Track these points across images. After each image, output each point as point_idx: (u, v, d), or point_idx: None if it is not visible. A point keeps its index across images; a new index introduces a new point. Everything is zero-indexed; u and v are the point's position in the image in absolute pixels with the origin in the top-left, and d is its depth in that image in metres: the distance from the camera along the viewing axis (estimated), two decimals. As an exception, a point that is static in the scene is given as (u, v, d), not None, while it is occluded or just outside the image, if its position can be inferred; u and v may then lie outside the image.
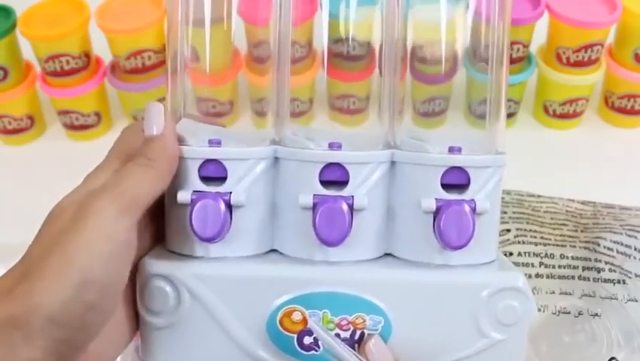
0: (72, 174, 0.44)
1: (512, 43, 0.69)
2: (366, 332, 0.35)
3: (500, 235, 0.56)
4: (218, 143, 0.35)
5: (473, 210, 0.34)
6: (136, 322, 0.36)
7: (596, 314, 0.51)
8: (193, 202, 0.34)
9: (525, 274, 0.53)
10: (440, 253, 0.35)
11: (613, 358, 0.49)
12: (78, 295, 0.29)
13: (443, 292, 0.35)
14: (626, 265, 0.53)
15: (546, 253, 0.54)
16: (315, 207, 0.34)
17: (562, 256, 0.54)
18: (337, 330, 0.35)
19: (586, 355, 0.51)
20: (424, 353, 0.35)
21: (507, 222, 0.57)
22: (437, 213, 0.34)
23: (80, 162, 0.46)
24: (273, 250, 0.37)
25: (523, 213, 0.58)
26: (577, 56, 0.70)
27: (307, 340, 0.35)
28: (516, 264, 0.54)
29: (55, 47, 0.69)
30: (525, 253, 0.54)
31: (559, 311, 0.52)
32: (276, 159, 0.36)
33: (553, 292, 0.52)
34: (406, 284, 0.35)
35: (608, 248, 0.54)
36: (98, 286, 0.30)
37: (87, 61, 0.71)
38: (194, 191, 0.35)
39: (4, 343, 0.28)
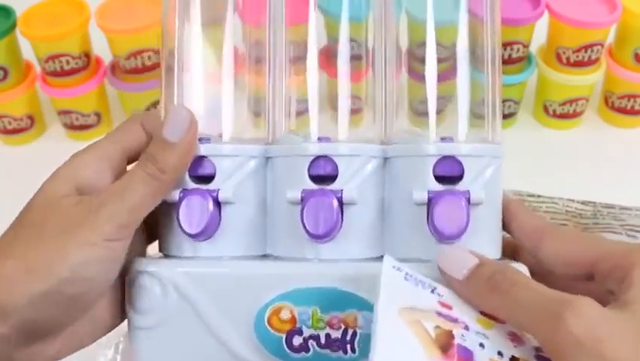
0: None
1: (512, 44, 0.69)
2: (358, 331, 0.33)
3: (500, 235, 0.56)
4: (208, 140, 0.35)
5: (468, 200, 0.33)
6: (117, 313, 0.36)
7: (596, 314, 0.51)
8: (180, 200, 0.34)
9: (525, 274, 0.53)
10: (434, 248, 0.33)
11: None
12: (62, 288, 0.31)
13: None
14: (626, 265, 0.53)
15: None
16: (302, 200, 0.33)
17: (562, 256, 0.54)
18: (328, 329, 0.33)
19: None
20: None
21: (507, 223, 0.57)
22: (429, 206, 0.33)
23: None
24: (265, 256, 0.36)
25: (523, 213, 0.58)
26: (577, 56, 0.70)
27: (297, 340, 0.33)
28: (516, 264, 0.54)
29: (55, 47, 0.69)
30: (525, 253, 0.54)
31: (559, 311, 0.52)
32: (268, 158, 0.35)
33: (553, 292, 0.52)
34: None
35: (608, 248, 0.54)
36: (83, 284, 0.32)
37: (87, 61, 0.71)
38: (183, 189, 0.34)
39: None
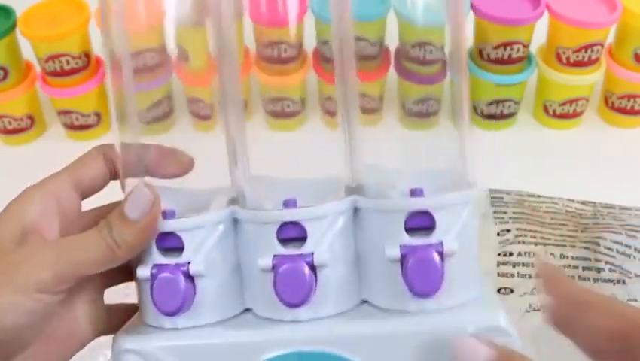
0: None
1: (512, 44, 0.69)
2: None
3: (500, 235, 0.56)
4: (172, 214, 0.34)
5: (441, 254, 0.32)
6: (102, 317, 0.36)
7: (596, 314, 0.51)
8: (153, 277, 0.33)
9: (525, 274, 0.53)
10: (413, 300, 0.33)
11: (613, 358, 0.49)
12: None
13: (421, 340, 0.32)
14: (626, 265, 0.53)
15: (546, 253, 0.54)
16: (274, 268, 0.33)
17: (562, 256, 0.54)
18: None
19: (586, 355, 0.51)
20: None
21: (507, 222, 0.57)
22: (403, 260, 0.32)
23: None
24: (247, 309, 0.35)
25: (523, 213, 0.58)
26: (577, 56, 0.70)
27: None
28: (516, 264, 0.54)
29: (55, 47, 0.69)
30: (525, 253, 0.54)
31: (559, 311, 0.52)
32: (235, 220, 0.35)
33: (553, 292, 0.52)
34: (381, 336, 0.33)
35: (608, 248, 0.54)
36: (6, 332, 0.31)
37: (87, 61, 0.71)
38: (155, 265, 0.34)
39: None
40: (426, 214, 0.33)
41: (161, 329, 0.34)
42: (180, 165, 0.36)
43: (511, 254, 0.54)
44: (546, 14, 0.69)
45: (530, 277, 0.53)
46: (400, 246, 0.32)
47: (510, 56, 0.70)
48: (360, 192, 0.34)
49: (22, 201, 0.34)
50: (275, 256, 0.33)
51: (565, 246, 0.55)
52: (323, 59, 0.71)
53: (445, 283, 0.32)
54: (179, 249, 0.34)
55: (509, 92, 0.73)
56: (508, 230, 0.56)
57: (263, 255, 0.33)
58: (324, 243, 0.33)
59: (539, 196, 0.62)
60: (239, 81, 0.38)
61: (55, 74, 0.71)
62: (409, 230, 0.33)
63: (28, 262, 0.31)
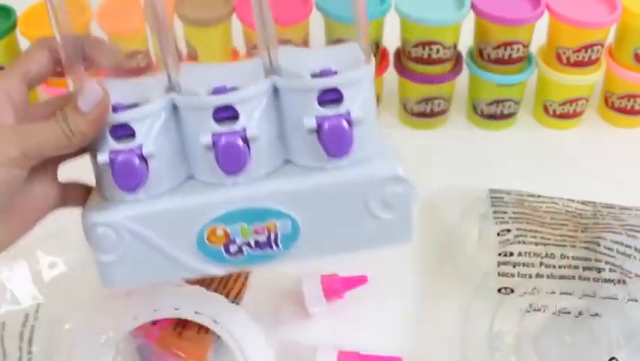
0: (72, 173, 0.44)
1: (512, 44, 0.69)
2: (278, 232, 0.41)
3: (500, 235, 0.56)
4: (121, 106, 0.40)
5: (349, 121, 0.39)
6: (57, 193, 0.41)
7: (596, 314, 0.51)
8: (112, 161, 0.39)
9: (526, 274, 0.53)
10: (329, 160, 0.41)
11: (613, 358, 0.49)
12: None
13: (337, 190, 0.41)
14: (626, 265, 0.53)
15: (546, 253, 0.54)
16: (214, 144, 0.39)
17: (562, 256, 0.54)
18: (255, 236, 0.41)
19: (586, 355, 0.51)
20: (329, 243, 0.42)
21: (507, 222, 0.57)
22: (319, 129, 0.39)
23: (80, 160, 0.46)
24: (190, 177, 0.42)
25: (523, 213, 0.58)
26: (577, 56, 0.70)
27: (233, 248, 0.42)
28: (516, 264, 0.54)
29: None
30: (525, 253, 0.54)
31: (559, 311, 0.52)
32: (174, 105, 0.41)
33: (553, 292, 0.52)
34: (304, 190, 0.41)
35: (608, 248, 0.54)
36: None
37: (87, 61, 0.71)
38: (112, 151, 0.39)
39: None
40: (335, 90, 0.40)
41: (124, 203, 0.41)
42: (111, 52, 0.42)
43: (511, 254, 0.54)
44: (546, 14, 0.69)
45: (530, 277, 0.53)
46: (316, 117, 0.40)
47: (510, 56, 0.70)
48: (277, 72, 0.41)
49: None
50: (213, 134, 0.39)
51: (565, 246, 0.55)
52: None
53: (354, 144, 0.40)
54: (130, 135, 0.40)
55: (509, 92, 0.73)
56: (508, 230, 0.56)
57: (204, 134, 0.40)
58: (254, 119, 0.40)
59: (539, 196, 0.62)
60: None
61: (55, 73, 0.70)
62: (321, 103, 0.40)
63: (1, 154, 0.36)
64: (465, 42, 0.72)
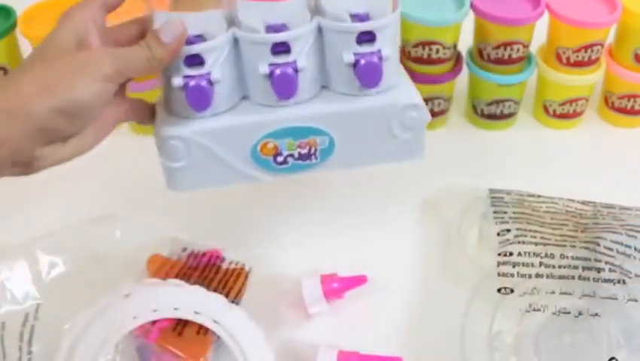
0: (72, 173, 0.44)
1: (512, 44, 0.69)
2: (318, 147, 0.51)
3: (500, 235, 0.56)
4: (195, 40, 0.47)
5: (380, 58, 0.49)
6: (112, 125, 0.48)
7: (596, 314, 0.51)
8: (185, 84, 0.47)
9: (525, 274, 0.53)
10: (361, 89, 0.50)
11: (613, 358, 0.49)
12: (69, 107, 0.42)
13: (367, 114, 0.51)
14: (626, 265, 0.53)
15: (546, 253, 0.54)
16: (271, 74, 0.48)
17: (562, 256, 0.54)
18: (299, 149, 0.51)
19: (586, 355, 0.51)
20: (358, 157, 0.52)
21: (507, 222, 0.57)
22: (356, 63, 0.49)
23: (80, 160, 0.46)
24: (244, 98, 0.51)
25: (523, 213, 0.58)
26: (577, 56, 0.70)
27: (280, 158, 0.51)
28: (516, 264, 0.54)
29: (55, 46, 0.69)
30: (525, 253, 0.54)
31: (559, 311, 0.52)
32: (235, 38, 0.49)
33: (553, 292, 0.52)
34: (342, 113, 0.50)
35: (608, 248, 0.54)
36: (83, 107, 0.43)
37: (87, 61, 0.71)
38: (184, 76, 0.47)
39: None
40: (370, 32, 0.48)
41: (191, 119, 0.49)
42: None
43: (511, 254, 0.54)
44: (546, 14, 0.69)
45: (530, 277, 0.53)
46: (354, 53, 0.49)
47: (510, 56, 0.70)
48: (321, 13, 0.49)
49: (69, 19, 0.45)
50: (270, 64, 0.48)
51: (565, 246, 0.55)
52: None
53: (383, 78, 0.49)
54: (199, 63, 0.48)
55: (509, 92, 0.73)
56: (508, 230, 0.56)
57: (262, 64, 0.48)
58: (303, 53, 0.49)
59: (539, 196, 0.62)
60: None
61: None
62: (358, 42, 0.49)
63: (95, 60, 0.44)
64: (465, 42, 0.72)
